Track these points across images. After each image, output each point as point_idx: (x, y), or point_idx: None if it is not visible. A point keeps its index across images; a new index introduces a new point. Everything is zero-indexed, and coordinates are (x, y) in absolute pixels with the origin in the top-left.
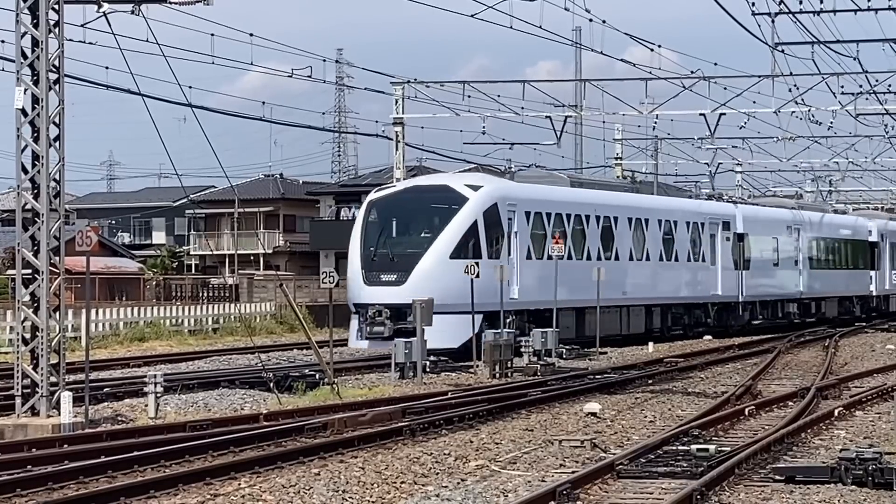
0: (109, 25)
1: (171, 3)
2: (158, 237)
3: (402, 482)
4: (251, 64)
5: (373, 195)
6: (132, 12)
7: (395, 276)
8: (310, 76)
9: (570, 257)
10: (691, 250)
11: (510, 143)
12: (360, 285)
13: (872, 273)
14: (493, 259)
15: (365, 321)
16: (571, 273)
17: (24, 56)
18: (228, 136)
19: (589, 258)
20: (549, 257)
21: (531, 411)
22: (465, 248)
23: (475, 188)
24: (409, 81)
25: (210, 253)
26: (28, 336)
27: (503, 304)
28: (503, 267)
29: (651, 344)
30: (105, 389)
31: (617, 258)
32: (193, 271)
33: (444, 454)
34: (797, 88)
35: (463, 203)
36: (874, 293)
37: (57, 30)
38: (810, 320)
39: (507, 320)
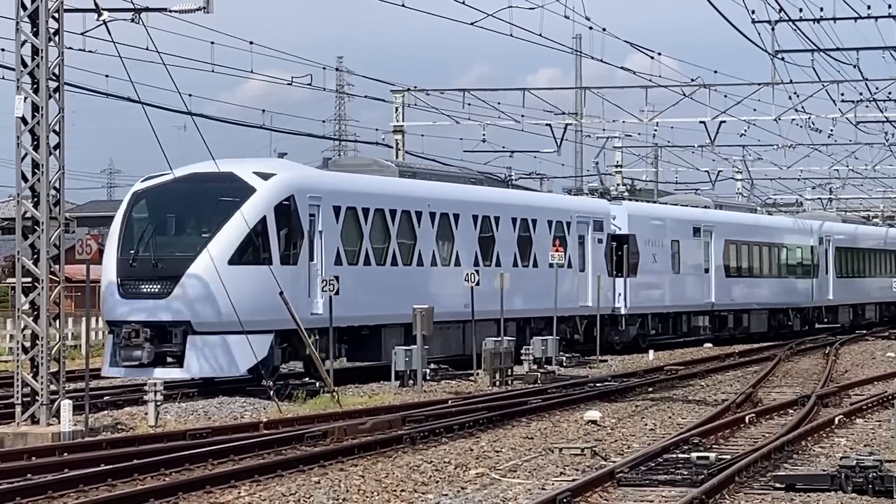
0: (109, 34)
1: (171, 11)
2: None
3: (402, 490)
4: (251, 72)
5: (139, 185)
6: (132, 20)
7: (159, 287)
8: (310, 84)
9: (395, 262)
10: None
11: (510, 150)
12: (115, 298)
13: (814, 281)
14: (290, 265)
15: (119, 343)
16: (398, 281)
17: (24, 64)
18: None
19: (421, 264)
20: (368, 262)
21: (531, 419)
22: (251, 251)
23: (266, 176)
24: (409, 89)
25: None
26: (28, 344)
27: (304, 321)
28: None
29: (651, 352)
30: (105, 398)
31: (458, 263)
32: None
33: (445, 462)
34: (797, 96)
35: (249, 194)
36: (812, 304)
37: (57, 38)
38: (723, 335)
39: (311, 340)
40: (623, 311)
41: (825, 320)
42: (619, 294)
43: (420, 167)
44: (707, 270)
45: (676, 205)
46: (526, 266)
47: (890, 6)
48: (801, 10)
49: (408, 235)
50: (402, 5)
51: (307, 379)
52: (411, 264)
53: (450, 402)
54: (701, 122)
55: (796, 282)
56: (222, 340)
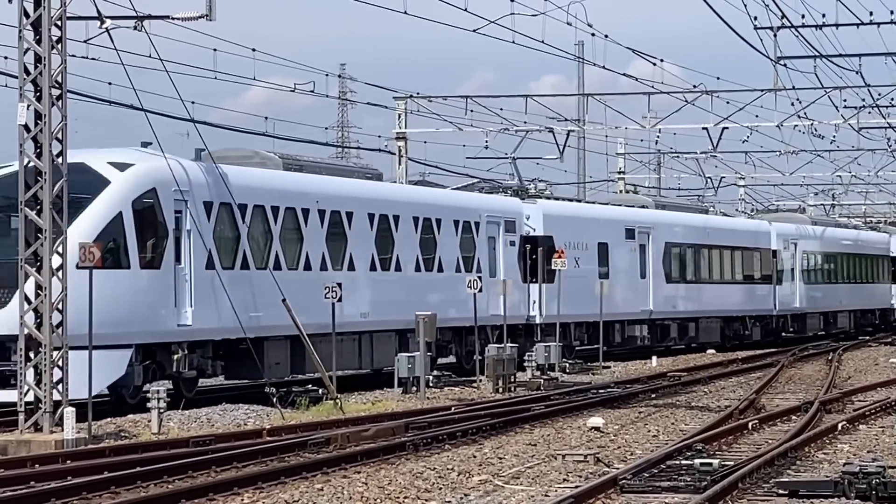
0: (112, 41)
1: (173, 18)
2: None
3: (405, 497)
4: (253, 79)
5: None
6: (135, 28)
7: None
8: (312, 91)
9: (278, 266)
10: (461, 258)
11: (513, 157)
12: None
13: (774, 287)
14: (152, 269)
15: None
16: (282, 287)
17: (27, 72)
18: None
19: (309, 268)
20: (246, 266)
21: (534, 426)
22: (104, 253)
23: (122, 167)
24: (411, 96)
25: None
26: (31, 352)
27: (170, 334)
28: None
29: (654, 358)
30: (107, 405)
31: (352, 267)
32: None
33: (448, 469)
34: (800, 102)
35: (102, 188)
36: (775, 312)
37: (59, 46)
38: (661, 347)
39: (176, 356)
40: (538, 321)
41: (791, 330)
42: (535, 302)
43: (308, 159)
44: (644, 276)
45: (608, 204)
46: (430, 271)
47: (892, 12)
48: (803, 16)
49: (293, 236)
50: (405, 12)
51: (311, 386)
52: (297, 268)
53: (453, 408)
54: (703, 128)
55: (755, 288)
56: (77, 357)
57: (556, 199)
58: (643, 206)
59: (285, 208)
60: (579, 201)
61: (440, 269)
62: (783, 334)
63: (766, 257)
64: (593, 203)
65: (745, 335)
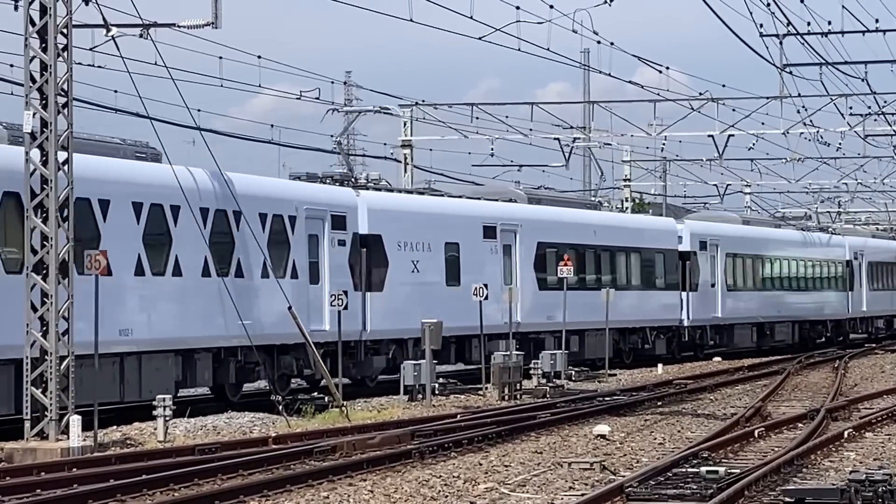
0: (118, 49)
1: (179, 26)
2: None
3: None
4: (259, 86)
5: None
6: (141, 36)
7: None
8: (318, 98)
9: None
10: (270, 259)
11: (519, 164)
12: None
13: (687, 295)
14: None
15: None
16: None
17: (33, 80)
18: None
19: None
20: None
21: (540, 433)
22: None
23: None
24: (416, 103)
25: None
26: (37, 359)
27: None
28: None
29: (661, 365)
30: (113, 413)
31: (109, 272)
32: None
33: (454, 477)
34: (805, 110)
35: None
36: (686, 323)
37: (66, 54)
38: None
39: None
40: (365, 336)
41: (711, 343)
42: (364, 314)
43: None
44: (509, 282)
45: (461, 196)
46: (225, 275)
47: None
48: (808, 23)
49: (15, 227)
50: (410, 20)
51: (316, 394)
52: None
53: (459, 416)
54: (709, 135)
55: (659, 296)
56: None
57: (392, 190)
58: (510, 200)
59: (3, 193)
60: (423, 193)
61: (239, 274)
62: (705, 349)
63: (673, 261)
64: (441, 195)
65: (646, 349)
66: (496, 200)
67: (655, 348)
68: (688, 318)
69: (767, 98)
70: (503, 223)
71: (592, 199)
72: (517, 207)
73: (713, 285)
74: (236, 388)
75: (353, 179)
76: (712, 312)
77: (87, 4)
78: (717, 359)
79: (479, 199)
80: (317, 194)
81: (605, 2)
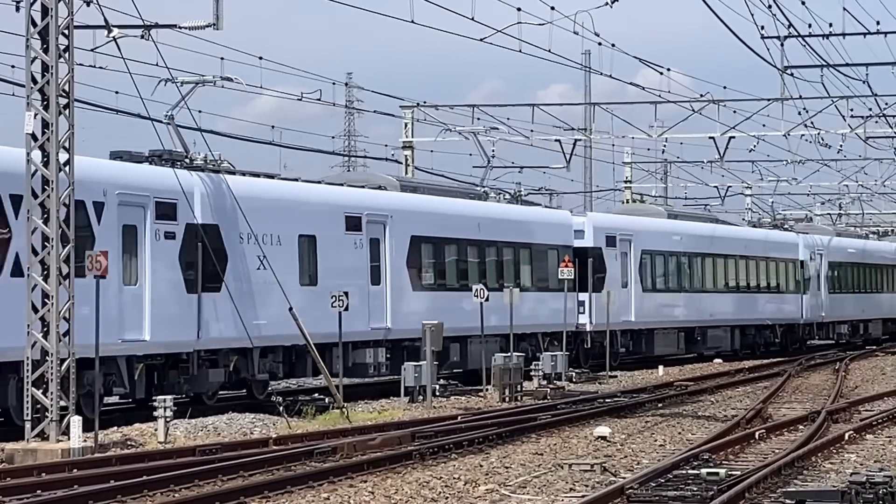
0: (119, 50)
1: (180, 27)
2: None
3: None
4: (261, 87)
5: None
6: (142, 37)
7: None
8: (319, 99)
9: None
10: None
11: (520, 166)
12: None
13: (590, 297)
14: None
15: None
16: None
17: (35, 81)
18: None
19: None
20: None
21: (541, 435)
22: None
23: None
24: (418, 105)
25: None
26: (38, 360)
27: None
28: None
29: (661, 367)
30: (115, 413)
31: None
32: None
33: (454, 478)
34: (806, 112)
35: None
36: (589, 328)
37: (67, 54)
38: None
39: None
40: (199, 346)
41: (623, 350)
42: (195, 320)
43: None
44: (378, 282)
45: (321, 182)
46: None
47: None
48: (809, 25)
49: None
50: (412, 21)
51: (317, 395)
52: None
53: (459, 417)
54: (710, 137)
55: (553, 298)
56: None
57: (235, 172)
58: (379, 187)
59: None
60: (272, 177)
61: (17, 273)
62: (619, 357)
63: (581, 258)
64: (295, 180)
65: (536, 357)
66: (362, 187)
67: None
68: (590, 322)
69: (768, 100)
70: (370, 213)
71: (477, 187)
72: (387, 196)
73: (625, 286)
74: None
75: (187, 160)
76: (623, 316)
77: (88, 5)
78: (718, 360)
79: (341, 185)
80: (135, 177)
81: (607, 3)
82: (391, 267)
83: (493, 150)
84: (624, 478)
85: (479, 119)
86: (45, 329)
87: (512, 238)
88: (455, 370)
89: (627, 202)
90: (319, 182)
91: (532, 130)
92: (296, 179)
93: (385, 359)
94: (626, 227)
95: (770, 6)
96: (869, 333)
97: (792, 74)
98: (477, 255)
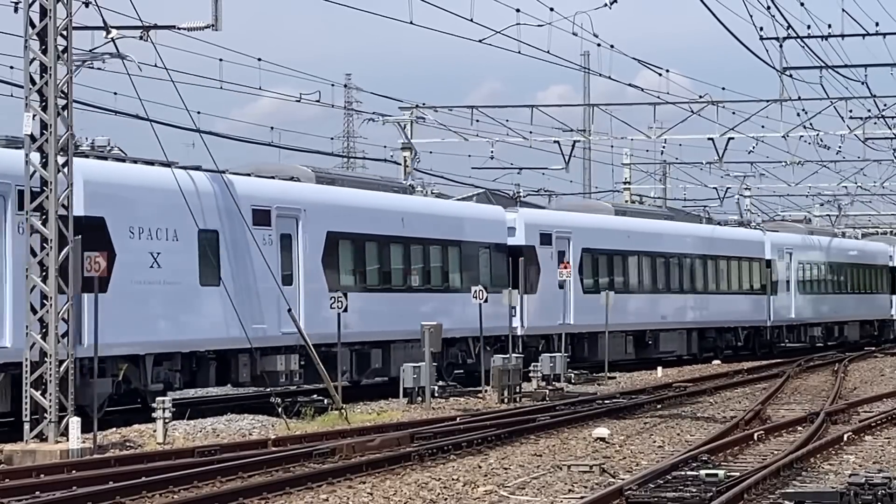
0: (118, 51)
1: (179, 28)
2: None
3: None
4: (259, 89)
5: None
6: (141, 38)
7: None
8: (318, 101)
9: None
10: None
11: (518, 167)
12: None
13: (522, 299)
14: None
15: None
16: None
17: (33, 82)
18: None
19: None
20: None
21: (540, 436)
22: None
23: None
24: (417, 106)
25: None
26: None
27: None
28: None
29: (660, 368)
30: (114, 415)
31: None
32: None
33: (453, 479)
34: (805, 113)
35: None
36: (520, 331)
37: (65, 56)
38: (318, 386)
39: None
40: (81, 353)
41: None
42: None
43: None
44: (290, 282)
45: (225, 172)
46: None
47: None
48: (808, 27)
49: None
50: (411, 23)
51: (316, 396)
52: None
53: (458, 418)
54: (709, 138)
55: (492, 299)
56: None
57: (125, 159)
58: (293, 178)
59: None
60: (168, 165)
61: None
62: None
63: (501, 258)
64: (197, 169)
65: (469, 363)
66: (272, 178)
67: (482, 361)
68: (522, 325)
69: (767, 101)
70: (281, 207)
71: (403, 181)
72: (300, 188)
73: (562, 287)
74: None
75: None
76: (559, 320)
77: (86, 6)
78: (717, 362)
79: (248, 175)
80: None
81: (606, 4)
82: (305, 266)
83: (491, 151)
84: (623, 479)
85: (477, 121)
86: (44, 330)
87: (440, 235)
88: (378, 378)
89: (627, 203)
90: (224, 172)
91: (531, 132)
92: (197, 168)
93: (299, 366)
94: (564, 224)
95: (769, 7)
96: (845, 336)
97: (791, 76)
98: (401, 254)
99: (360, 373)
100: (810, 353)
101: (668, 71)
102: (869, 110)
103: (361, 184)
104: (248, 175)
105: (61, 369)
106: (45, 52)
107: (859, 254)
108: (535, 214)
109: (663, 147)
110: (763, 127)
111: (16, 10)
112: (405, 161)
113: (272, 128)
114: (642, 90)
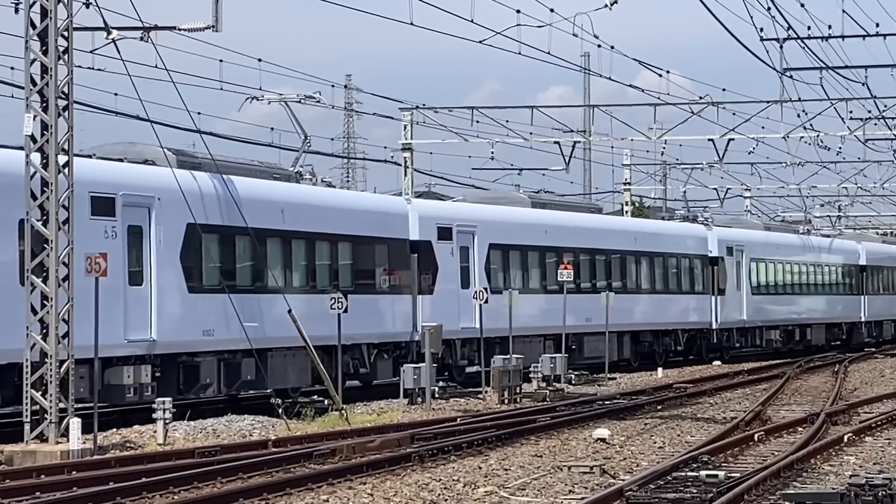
0: (118, 52)
1: (179, 29)
2: None
3: None
4: (259, 89)
5: None
6: (141, 39)
7: None
8: (318, 102)
9: None
10: None
11: (519, 168)
12: None
13: (418, 299)
14: None
15: None
16: None
17: (34, 83)
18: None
19: None
20: None
21: (540, 437)
22: None
23: None
24: (417, 107)
25: None
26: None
27: None
28: None
29: (660, 369)
30: (114, 415)
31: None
32: None
33: (453, 480)
34: (805, 114)
35: None
36: (416, 336)
37: (66, 56)
38: (187, 400)
39: None
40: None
41: (464, 361)
42: None
43: None
44: (140, 282)
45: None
46: None
47: None
48: (809, 28)
49: None
50: (411, 23)
51: (316, 397)
52: None
53: (458, 419)
54: (709, 139)
55: (384, 301)
56: None
57: None
58: (147, 161)
59: None
60: None
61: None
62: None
63: (401, 254)
64: (19, 148)
65: (363, 373)
66: (119, 161)
67: (377, 371)
68: (415, 330)
69: (768, 102)
70: (128, 195)
71: (288, 168)
72: (155, 173)
73: (465, 287)
74: None
75: None
76: (464, 322)
77: (87, 7)
78: (717, 362)
79: (89, 157)
80: None
81: (606, 6)
82: (158, 263)
83: (491, 152)
84: (623, 480)
85: (478, 122)
86: (45, 331)
87: (329, 229)
88: (252, 391)
89: (626, 204)
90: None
91: (531, 133)
92: (20, 148)
93: (150, 379)
94: (468, 217)
95: (769, 8)
96: (808, 340)
97: (791, 76)
98: (280, 250)
99: (230, 385)
100: (771, 358)
101: (668, 72)
102: (869, 111)
103: (233, 169)
104: (90, 157)
105: (61, 370)
106: (45, 52)
107: (824, 252)
108: (432, 206)
109: (663, 148)
110: (763, 128)
111: (16, 10)
112: (405, 162)
113: (272, 128)
114: (642, 91)
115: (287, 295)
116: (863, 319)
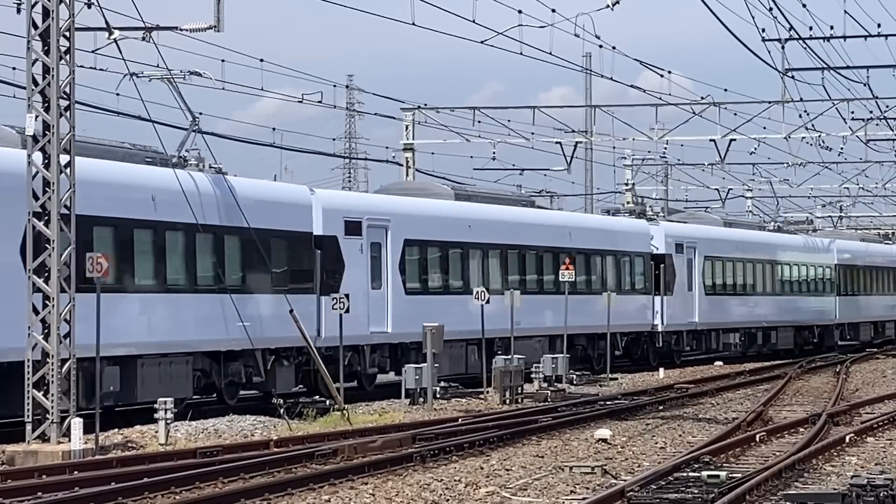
0: (120, 52)
1: (181, 29)
2: None
3: None
4: (261, 90)
5: None
6: (143, 39)
7: None
8: (320, 101)
9: None
10: None
11: (520, 168)
12: None
13: (320, 299)
14: None
15: None
16: None
17: (35, 83)
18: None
19: None
20: None
21: (542, 437)
22: None
23: None
24: (419, 107)
25: None
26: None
27: None
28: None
29: (662, 370)
30: (115, 415)
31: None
32: None
33: (455, 480)
34: (807, 114)
35: None
36: (319, 342)
37: (68, 56)
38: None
39: None
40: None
41: (375, 369)
42: None
43: None
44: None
45: None
46: None
47: None
48: (810, 28)
49: None
50: (413, 24)
51: (318, 397)
52: None
53: (460, 420)
54: (711, 140)
55: (283, 301)
56: None
57: None
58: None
59: None
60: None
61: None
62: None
63: (303, 250)
64: None
65: (255, 382)
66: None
67: (276, 380)
68: (320, 335)
69: (769, 102)
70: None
71: (162, 151)
72: (11, 155)
73: (377, 287)
74: None
75: None
76: (375, 326)
77: (89, 7)
78: (719, 363)
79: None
80: None
81: (608, 6)
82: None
83: (493, 153)
84: (624, 480)
85: (479, 122)
86: (46, 331)
87: (216, 221)
88: (118, 403)
89: (627, 204)
90: None
91: (533, 133)
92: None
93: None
94: (380, 210)
95: (771, 9)
96: (773, 343)
97: (793, 77)
98: (151, 242)
99: (89, 398)
100: (733, 363)
101: (669, 72)
102: (871, 112)
103: (94, 151)
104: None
105: (63, 370)
106: (47, 52)
107: (793, 250)
108: (339, 197)
109: (665, 148)
110: (765, 128)
111: (18, 10)
112: (407, 162)
113: (274, 129)
114: (644, 91)
115: (161, 294)
116: (836, 321)
